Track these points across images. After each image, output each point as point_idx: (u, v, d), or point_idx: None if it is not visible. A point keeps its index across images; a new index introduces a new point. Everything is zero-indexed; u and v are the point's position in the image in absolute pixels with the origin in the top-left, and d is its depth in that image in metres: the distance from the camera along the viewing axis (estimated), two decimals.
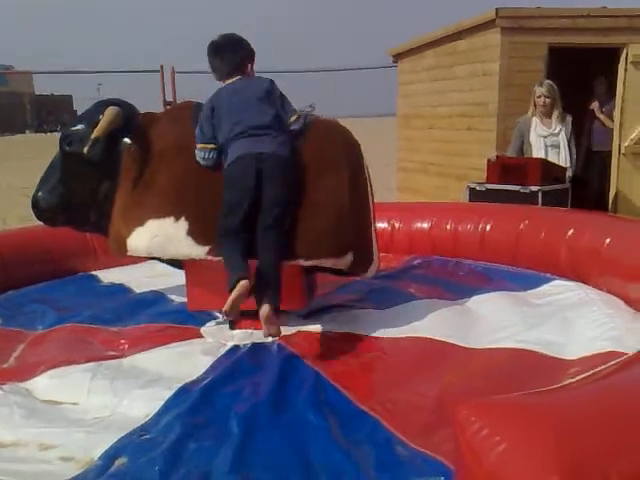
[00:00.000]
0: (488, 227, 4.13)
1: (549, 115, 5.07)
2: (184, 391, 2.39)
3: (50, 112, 50.88)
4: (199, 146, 2.91)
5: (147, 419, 2.23)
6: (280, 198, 2.78)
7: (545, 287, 3.56)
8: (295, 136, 2.93)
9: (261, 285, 2.69)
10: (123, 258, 3.29)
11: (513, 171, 4.84)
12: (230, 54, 3.01)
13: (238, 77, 3.00)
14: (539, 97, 5.04)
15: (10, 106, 51.10)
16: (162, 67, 9.81)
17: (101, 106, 3.11)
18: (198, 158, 2.92)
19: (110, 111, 3.01)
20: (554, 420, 1.56)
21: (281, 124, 2.90)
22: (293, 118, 2.93)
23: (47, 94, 53.64)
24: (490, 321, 3.02)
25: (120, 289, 3.89)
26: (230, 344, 2.86)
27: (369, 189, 3.14)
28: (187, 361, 2.70)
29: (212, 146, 2.90)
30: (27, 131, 46.26)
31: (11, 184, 13.24)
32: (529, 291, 3.50)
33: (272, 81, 3.02)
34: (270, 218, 2.75)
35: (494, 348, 2.72)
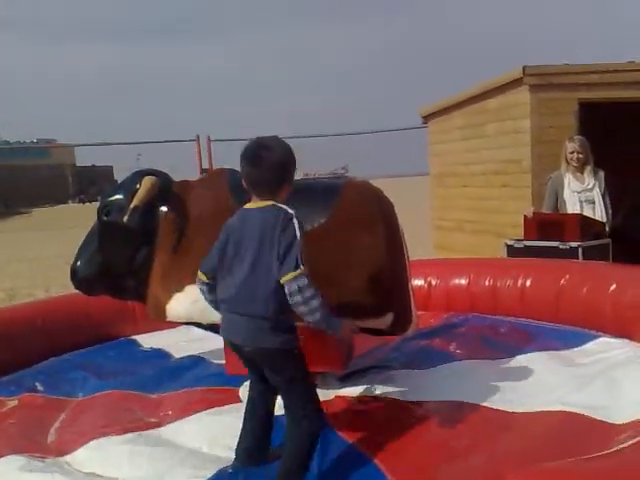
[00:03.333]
0: (528, 283, 4.06)
1: (581, 170, 5.02)
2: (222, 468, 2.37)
3: (92, 182, 52.53)
4: (201, 276, 2.37)
5: None
6: (282, 386, 2.32)
7: (590, 345, 3.46)
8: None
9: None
10: (162, 323, 3.31)
11: (551, 227, 4.78)
12: (263, 170, 2.26)
13: (265, 204, 2.26)
14: (571, 153, 5.01)
15: (52, 178, 53.01)
16: (198, 137, 10.10)
17: (138, 176, 3.19)
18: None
19: (147, 181, 3.10)
20: None
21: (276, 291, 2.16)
22: (286, 278, 2.13)
23: (88, 165, 55.54)
24: (535, 383, 2.94)
25: (160, 354, 3.91)
26: None
27: (404, 248, 3.14)
28: (224, 427, 2.66)
29: (205, 279, 2.35)
30: (69, 201, 47.75)
31: (53, 253, 13.58)
32: (573, 349, 3.41)
33: (287, 219, 2.19)
34: (286, 408, 2.32)
35: (540, 412, 2.63)
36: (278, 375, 2.29)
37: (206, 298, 2.41)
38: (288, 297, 2.14)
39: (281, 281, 2.14)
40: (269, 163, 2.26)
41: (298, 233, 2.17)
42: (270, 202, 2.25)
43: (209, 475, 2.32)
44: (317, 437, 2.29)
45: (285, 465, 2.24)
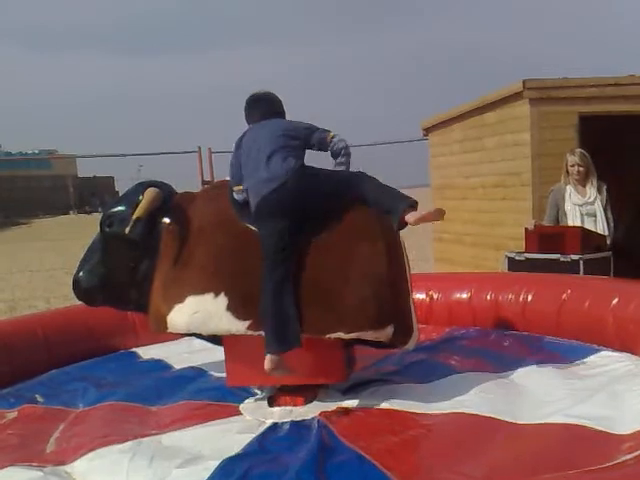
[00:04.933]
0: (530, 297, 4.06)
1: (583, 183, 5.03)
2: (222, 471, 2.34)
3: (93, 193, 52.62)
4: (235, 188, 3.05)
5: None
6: (264, 244, 2.85)
7: (592, 358, 3.45)
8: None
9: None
10: (162, 335, 3.31)
11: (552, 240, 4.78)
12: (265, 105, 3.20)
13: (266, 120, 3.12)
14: (572, 166, 5.02)
15: (53, 189, 53.12)
16: (200, 148, 10.12)
17: (140, 187, 3.20)
18: (237, 197, 3.06)
19: (150, 192, 3.11)
20: None
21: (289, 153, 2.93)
22: (331, 135, 3.05)
23: (90, 176, 55.64)
24: (537, 395, 2.92)
25: (160, 366, 3.89)
26: (269, 422, 2.82)
27: (405, 260, 3.14)
28: (225, 439, 2.66)
29: (240, 187, 3.04)
30: (71, 212, 47.85)
31: (54, 264, 13.58)
32: (575, 362, 3.39)
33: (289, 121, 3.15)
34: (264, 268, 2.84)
35: (543, 424, 2.62)
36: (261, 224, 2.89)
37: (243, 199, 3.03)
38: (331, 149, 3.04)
39: (330, 136, 3.01)
40: (267, 100, 3.22)
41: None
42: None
43: (207, 476, 2.31)
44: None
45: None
